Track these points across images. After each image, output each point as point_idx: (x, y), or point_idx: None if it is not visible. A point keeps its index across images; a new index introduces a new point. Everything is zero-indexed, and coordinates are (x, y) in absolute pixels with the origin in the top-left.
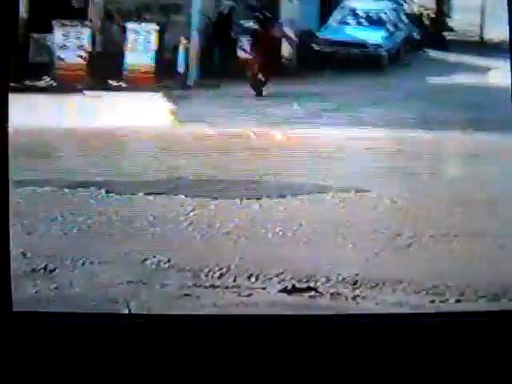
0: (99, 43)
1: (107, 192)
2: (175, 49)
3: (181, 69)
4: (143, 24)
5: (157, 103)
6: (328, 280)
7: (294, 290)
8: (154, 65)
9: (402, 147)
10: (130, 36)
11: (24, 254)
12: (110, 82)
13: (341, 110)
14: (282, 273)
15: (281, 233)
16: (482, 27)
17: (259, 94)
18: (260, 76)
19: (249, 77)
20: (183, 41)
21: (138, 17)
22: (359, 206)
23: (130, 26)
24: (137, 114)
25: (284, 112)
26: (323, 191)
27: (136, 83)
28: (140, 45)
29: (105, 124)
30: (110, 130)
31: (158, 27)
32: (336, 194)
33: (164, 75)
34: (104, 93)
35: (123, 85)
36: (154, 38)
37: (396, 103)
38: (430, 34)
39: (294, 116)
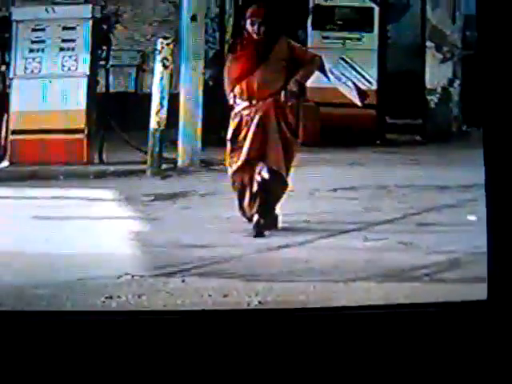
0: None
1: None
2: (139, 71)
3: (156, 123)
4: (57, 8)
5: (90, 214)
6: None
7: None
8: (84, 112)
9: None
10: (24, 38)
11: None
12: None
13: None
14: None
15: None
16: None
17: (258, 233)
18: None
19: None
20: (162, 46)
21: None
22: None
23: (19, 12)
24: (39, 241)
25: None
26: None
27: (37, 160)
28: (49, 63)
29: None
30: None
31: (94, 15)
32: None
33: (112, 139)
34: None
35: (4, 165)
36: (82, 44)
37: None
38: None
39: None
